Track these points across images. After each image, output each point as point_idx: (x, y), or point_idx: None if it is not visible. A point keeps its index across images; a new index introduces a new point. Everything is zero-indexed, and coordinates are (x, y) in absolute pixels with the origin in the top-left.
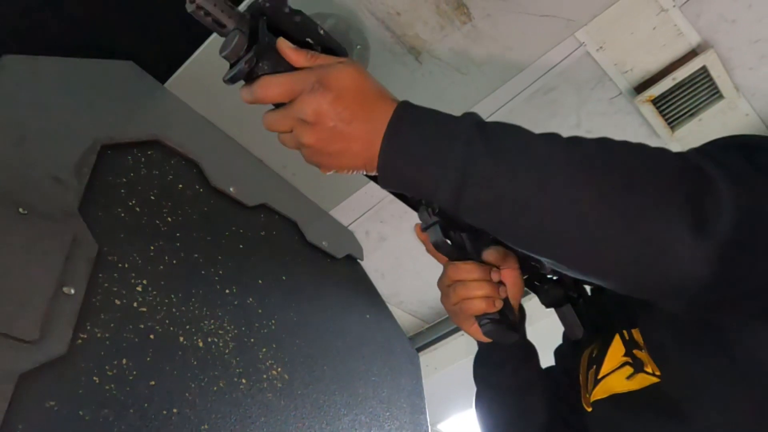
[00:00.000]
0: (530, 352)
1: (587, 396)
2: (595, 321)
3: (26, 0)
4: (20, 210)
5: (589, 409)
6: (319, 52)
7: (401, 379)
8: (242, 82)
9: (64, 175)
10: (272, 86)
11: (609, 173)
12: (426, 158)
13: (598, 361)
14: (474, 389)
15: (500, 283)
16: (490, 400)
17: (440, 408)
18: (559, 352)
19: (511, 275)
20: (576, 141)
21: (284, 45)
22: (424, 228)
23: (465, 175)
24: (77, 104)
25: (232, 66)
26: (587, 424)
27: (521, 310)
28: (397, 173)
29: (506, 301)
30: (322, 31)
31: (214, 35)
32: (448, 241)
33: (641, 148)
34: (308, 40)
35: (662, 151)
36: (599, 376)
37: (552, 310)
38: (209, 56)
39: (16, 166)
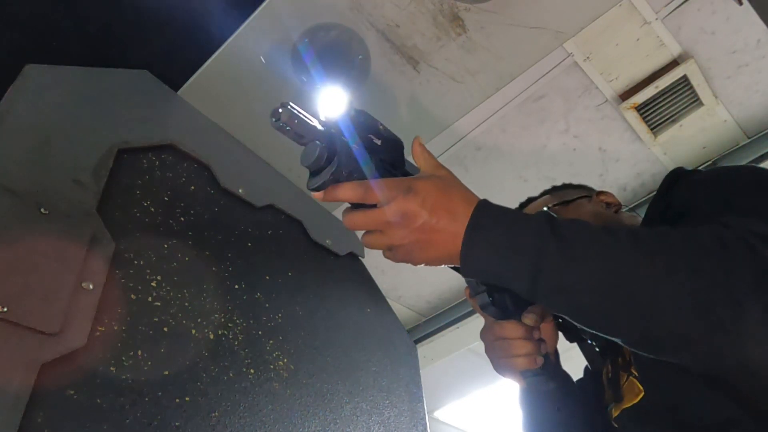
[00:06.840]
0: (569, 385)
1: (610, 410)
2: (602, 343)
3: (47, 13)
4: (42, 210)
5: (614, 421)
6: (380, 145)
7: (400, 369)
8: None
9: (83, 178)
10: (359, 190)
11: (671, 261)
12: (504, 252)
13: (615, 381)
14: (469, 381)
15: (540, 339)
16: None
17: (436, 396)
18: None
19: (548, 328)
20: (635, 233)
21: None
22: (473, 294)
23: (538, 267)
24: (95, 111)
25: (312, 174)
26: None
27: (556, 353)
28: (477, 264)
29: (546, 355)
30: (381, 127)
31: (224, 47)
32: (493, 306)
33: (693, 235)
34: (370, 135)
35: (713, 234)
36: (618, 391)
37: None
38: (219, 66)
39: (38, 169)
